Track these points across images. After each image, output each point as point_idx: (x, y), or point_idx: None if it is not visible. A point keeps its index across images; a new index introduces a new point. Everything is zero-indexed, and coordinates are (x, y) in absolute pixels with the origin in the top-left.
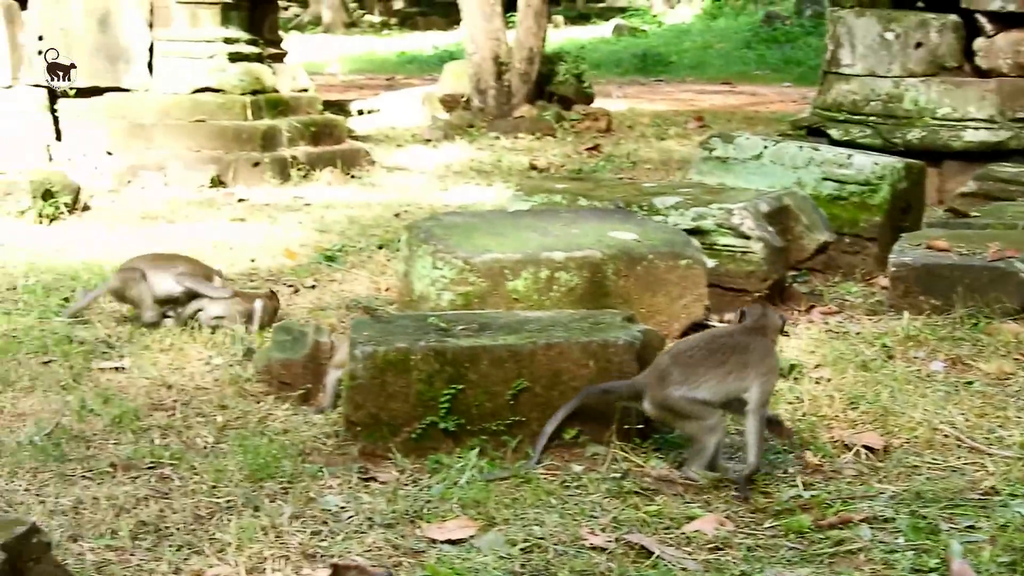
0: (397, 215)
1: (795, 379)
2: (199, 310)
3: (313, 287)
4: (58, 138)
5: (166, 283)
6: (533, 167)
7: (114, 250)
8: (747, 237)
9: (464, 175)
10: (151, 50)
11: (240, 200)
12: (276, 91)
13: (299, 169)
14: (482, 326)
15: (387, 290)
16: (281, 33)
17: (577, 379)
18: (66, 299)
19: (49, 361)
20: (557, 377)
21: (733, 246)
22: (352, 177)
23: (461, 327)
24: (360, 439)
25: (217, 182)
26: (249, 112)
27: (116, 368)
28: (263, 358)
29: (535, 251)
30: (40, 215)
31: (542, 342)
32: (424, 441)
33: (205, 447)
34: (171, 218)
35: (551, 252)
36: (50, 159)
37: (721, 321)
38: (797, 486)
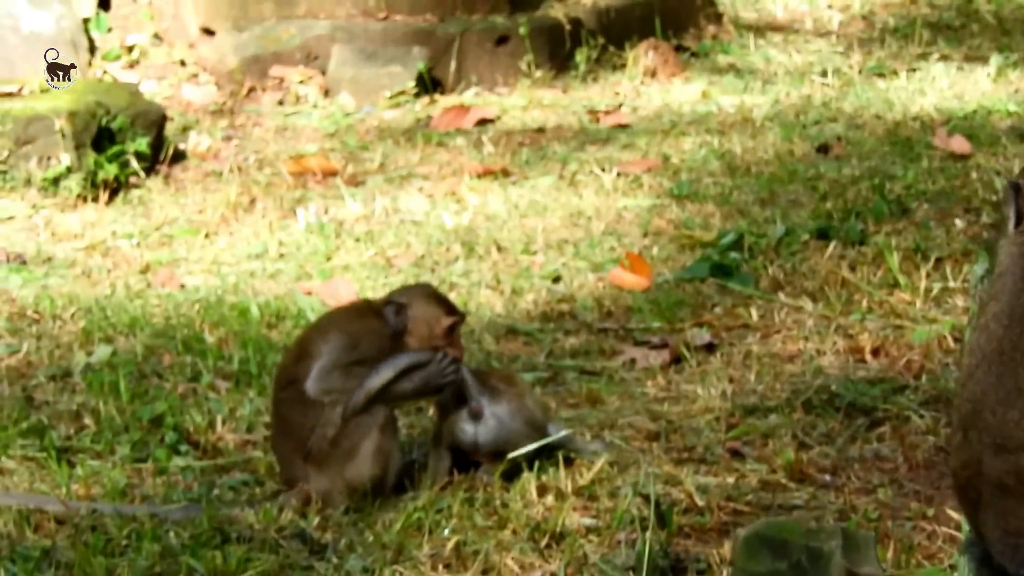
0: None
1: None
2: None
3: (710, 347)
4: (105, 7)
5: None
6: None
7: (257, 276)
8: None
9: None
10: None
11: (483, 123)
12: None
13: (600, 59)
14: None
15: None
16: None
17: None
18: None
19: None
20: None
21: None
22: (691, 55)
23: None
24: None
25: (427, 81)
26: None
27: None
28: None
29: None
30: (91, 183)
31: None
32: None
33: None
34: (356, 174)
35: None
36: (92, 51)
37: None
38: None
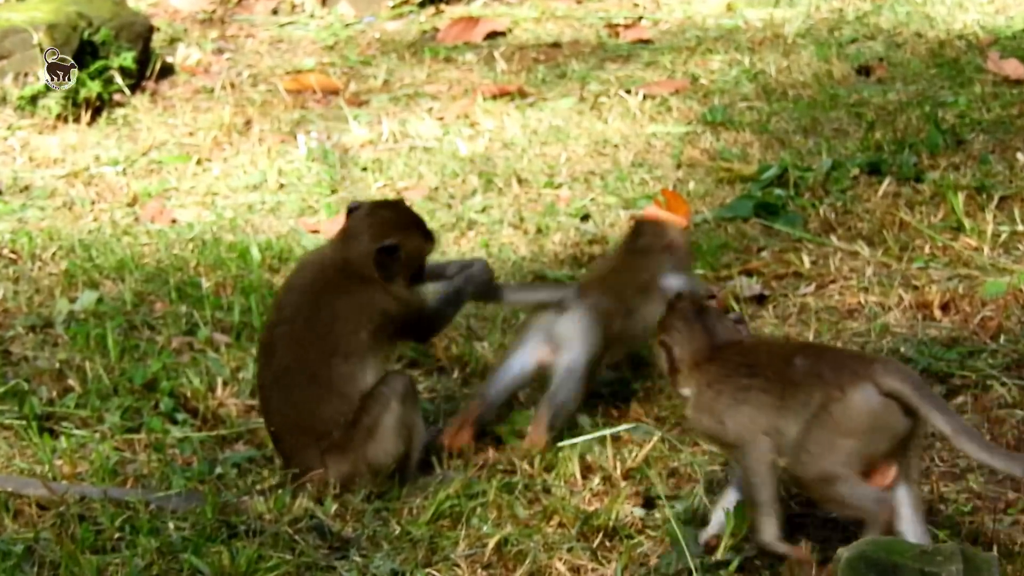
0: None
1: None
2: None
3: (760, 299)
4: None
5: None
6: None
7: (255, 210)
8: None
9: None
10: None
11: (493, 36)
12: None
13: None
14: None
15: None
16: None
17: None
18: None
19: None
20: None
21: None
22: None
23: None
24: None
25: None
26: None
27: None
28: None
29: None
30: (72, 102)
31: None
32: None
33: None
34: (358, 93)
35: None
36: None
37: None
38: None
